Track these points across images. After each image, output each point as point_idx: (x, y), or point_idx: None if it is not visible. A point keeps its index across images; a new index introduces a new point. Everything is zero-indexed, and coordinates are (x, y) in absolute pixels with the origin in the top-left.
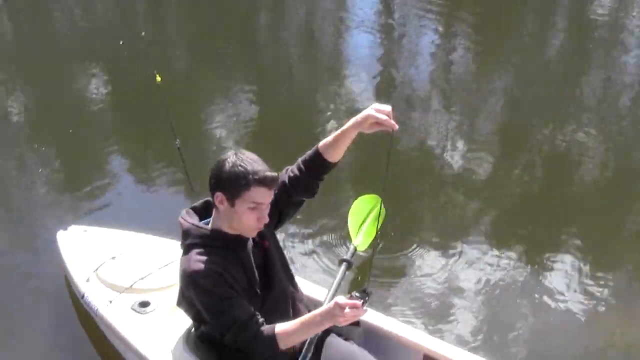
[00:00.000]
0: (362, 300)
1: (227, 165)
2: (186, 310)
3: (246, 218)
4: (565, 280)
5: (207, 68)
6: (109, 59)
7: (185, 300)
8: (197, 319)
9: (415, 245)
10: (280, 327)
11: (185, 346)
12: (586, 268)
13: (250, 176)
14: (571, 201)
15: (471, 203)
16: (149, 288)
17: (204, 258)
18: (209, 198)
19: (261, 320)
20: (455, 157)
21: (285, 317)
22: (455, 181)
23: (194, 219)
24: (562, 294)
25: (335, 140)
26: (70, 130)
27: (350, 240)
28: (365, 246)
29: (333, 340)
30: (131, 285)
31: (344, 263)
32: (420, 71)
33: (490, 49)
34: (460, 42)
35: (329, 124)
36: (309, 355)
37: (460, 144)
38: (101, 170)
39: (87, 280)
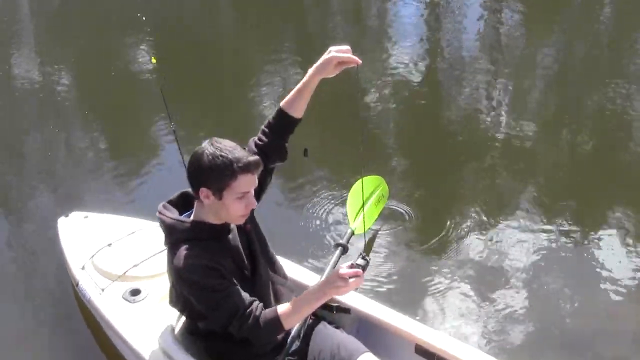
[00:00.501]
0: (362, 268)
1: (207, 158)
2: (181, 310)
3: (234, 208)
4: (613, 259)
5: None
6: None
7: (179, 300)
8: (194, 316)
9: (454, 219)
10: (281, 308)
11: (173, 336)
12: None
13: (235, 165)
14: (621, 174)
15: (514, 175)
16: (141, 275)
17: (193, 253)
18: (186, 190)
19: (260, 305)
20: (499, 127)
21: (266, 301)
22: (499, 152)
23: (174, 214)
24: (610, 273)
25: (298, 93)
26: (86, 112)
27: (348, 223)
28: (364, 230)
29: (323, 327)
30: (124, 273)
31: (340, 247)
32: (467, 38)
33: (539, 16)
34: (508, 10)
35: (374, 94)
36: (297, 342)
37: (505, 113)
38: (103, 155)
39: (83, 268)
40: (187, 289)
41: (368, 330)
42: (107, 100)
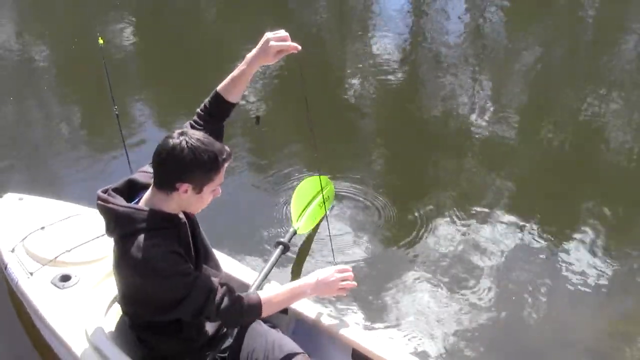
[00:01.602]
0: None
1: (189, 152)
2: (142, 309)
3: (207, 200)
4: (579, 265)
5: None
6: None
7: (138, 297)
8: (157, 312)
9: (426, 211)
10: (265, 295)
11: (101, 325)
12: (610, 243)
13: (219, 158)
14: (598, 171)
15: (492, 170)
16: (73, 261)
17: (155, 241)
18: (132, 177)
19: (232, 287)
20: (478, 120)
21: None
22: (477, 145)
23: (122, 202)
24: (574, 280)
25: (236, 80)
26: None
27: (291, 223)
28: (307, 229)
29: (257, 325)
30: (55, 258)
31: (280, 245)
32: (451, 30)
33: (524, 10)
34: (493, 6)
35: (355, 81)
36: (230, 339)
37: (485, 107)
38: (40, 136)
39: (12, 251)
40: (154, 281)
41: (304, 332)
42: (54, 81)
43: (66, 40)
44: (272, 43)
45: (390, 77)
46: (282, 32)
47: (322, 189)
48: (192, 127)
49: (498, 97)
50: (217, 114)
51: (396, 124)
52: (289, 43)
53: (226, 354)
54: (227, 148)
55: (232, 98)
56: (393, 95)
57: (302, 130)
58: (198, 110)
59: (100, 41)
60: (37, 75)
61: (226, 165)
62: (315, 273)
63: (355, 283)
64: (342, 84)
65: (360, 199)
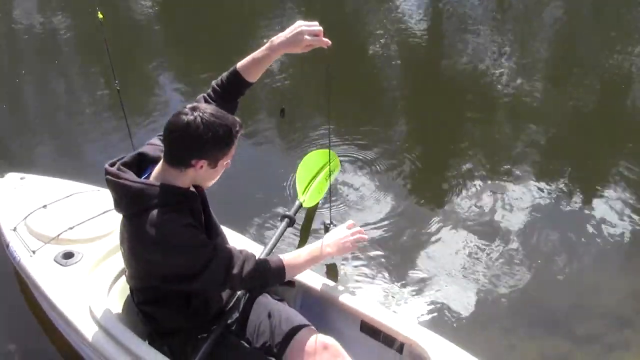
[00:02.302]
0: None
1: (203, 129)
2: (157, 283)
3: (219, 173)
4: (612, 216)
5: None
6: None
7: (151, 273)
8: (176, 282)
9: (455, 170)
10: (287, 258)
11: (107, 301)
12: (637, 205)
13: (233, 130)
14: (626, 129)
15: (518, 129)
16: (76, 239)
17: (170, 217)
18: (141, 151)
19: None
20: (504, 79)
21: None
22: (503, 105)
23: (134, 177)
24: (601, 244)
25: (258, 61)
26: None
27: (296, 196)
28: (313, 203)
29: (264, 299)
30: (58, 235)
31: (286, 219)
32: None
33: None
34: None
35: (376, 47)
36: (237, 312)
37: (510, 66)
38: (45, 115)
39: (14, 229)
40: (172, 255)
41: (312, 305)
42: (52, 59)
43: (78, 14)
44: (306, 36)
45: (413, 38)
46: (317, 26)
47: (329, 162)
48: (206, 100)
49: (523, 54)
50: (234, 92)
51: (419, 86)
52: (322, 39)
53: (233, 327)
54: (237, 119)
55: (251, 78)
56: (416, 57)
57: (318, 97)
58: (214, 84)
59: (100, 16)
60: (44, 50)
61: (239, 136)
62: (331, 234)
63: (366, 236)
64: (363, 46)
65: (381, 162)
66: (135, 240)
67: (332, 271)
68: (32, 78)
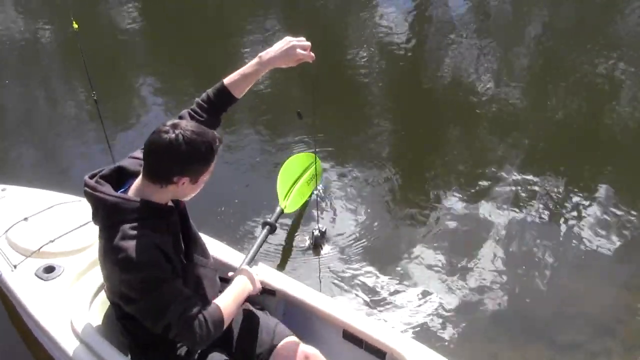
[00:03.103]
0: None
1: (185, 147)
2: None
3: (200, 187)
4: (593, 225)
5: None
6: None
7: (116, 289)
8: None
9: (436, 179)
10: (222, 307)
11: (88, 315)
12: (618, 213)
13: (214, 147)
14: (607, 137)
15: (500, 137)
16: (57, 251)
17: (144, 232)
18: (121, 164)
19: (200, 304)
20: (486, 87)
21: (198, 285)
22: (484, 112)
23: (111, 191)
24: (582, 252)
25: (247, 77)
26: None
27: (277, 202)
28: (294, 208)
29: (247, 309)
30: (39, 249)
31: (267, 226)
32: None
33: None
34: None
35: (360, 56)
36: None
37: (492, 74)
38: (25, 124)
39: None
40: (127, 270)
41: (294, 314)
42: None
43: (59, 24)
44: (299, 51)
45: (396, 47)
46: (305, 41)
47: (310, 166)
48: (192, 117)
49: (505, 62)
50: (220, 107)
51: (402, 94)
52: (309, 54)
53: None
54: (217, 134)
55: (237, 93)
56: (399, 65)
57: (301, 103)
58: (199, 100)
59: (75, 25)
60: (25, 59)
61: (218, 151)
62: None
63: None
64: (346, 55)
65: (364, 170)
66: (105, 253)
67: (314, 280)
68: (13, 88)
